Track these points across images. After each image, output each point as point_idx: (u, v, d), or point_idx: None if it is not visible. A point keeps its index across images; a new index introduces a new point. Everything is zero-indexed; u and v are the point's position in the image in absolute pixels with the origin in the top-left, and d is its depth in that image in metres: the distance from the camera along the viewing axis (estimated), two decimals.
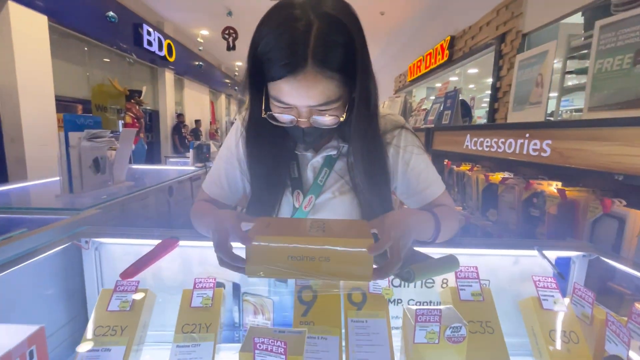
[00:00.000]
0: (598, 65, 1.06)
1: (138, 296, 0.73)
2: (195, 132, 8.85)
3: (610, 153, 0.85)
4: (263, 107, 0.65)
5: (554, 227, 1.17)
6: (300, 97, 0.59)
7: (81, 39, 4.97)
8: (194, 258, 0.84)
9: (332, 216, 0.79)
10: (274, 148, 0.74)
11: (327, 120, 0.63)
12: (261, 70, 0.60)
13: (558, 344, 0.72)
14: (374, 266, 0.53)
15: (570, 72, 2.84)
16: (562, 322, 0.75)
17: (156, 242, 0.77)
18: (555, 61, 1.73)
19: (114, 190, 1.33)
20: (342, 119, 0.64)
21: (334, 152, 0.78)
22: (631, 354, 0.57)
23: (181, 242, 0.80)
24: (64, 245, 0.77)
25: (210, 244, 0.82)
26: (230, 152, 0.82)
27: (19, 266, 0.67)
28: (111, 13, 5.05)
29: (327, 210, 0.80)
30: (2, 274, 0.63)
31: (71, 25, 4.57)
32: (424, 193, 0.77)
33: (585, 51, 2.46)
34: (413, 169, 0.77)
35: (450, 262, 0.64)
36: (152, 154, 7.18)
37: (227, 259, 0.56)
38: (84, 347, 0.65)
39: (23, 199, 1.34)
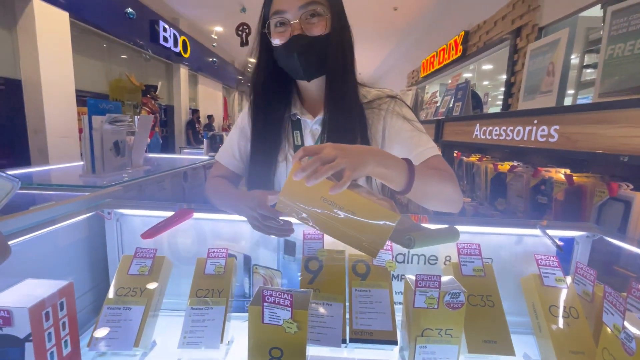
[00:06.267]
0: (609, 51, 1.06)
1: (156, 262, 0.78)
2: (209, 127, 9.01)
3: (617, 135, 0.86)
4: (266, 41, 0.80)
5: (561, 212, 1.17)
6: None
7: (101, 35, 5.13)
8: (207, 231, 0.89)
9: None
10: (276, 112, 0.83)
11: (315, 25, 0.76)
12: None
13: (558, 319, 0.73)
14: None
15: (588, 67, 2.77)
16: (563, 299, 0.76)
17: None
18: (572, 57, 1.71)
19: (133, 172, 1.40)
20: (327, 30, 0.77)
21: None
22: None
23: (196, 215, 0.85)
24: (89, 214, 0.83)
25: (223, 217, 0.86)
26: (242, 125, 0.89)
27: (47, 230, 0.72)
28: (130, 9, 5.18)
29: None
30: (31, 236, 0.69)
31: (91, 21, 4.72)
32: (414, 153, 0.78)
33: None
34: (404, 133, 0.81)
35: (450, 233, 0.67)
36: (166, 148, 7.34)
37: (268, 213, 0.65)
38: (108, 304, 0.71)
39: (48, 179, 1.42)
